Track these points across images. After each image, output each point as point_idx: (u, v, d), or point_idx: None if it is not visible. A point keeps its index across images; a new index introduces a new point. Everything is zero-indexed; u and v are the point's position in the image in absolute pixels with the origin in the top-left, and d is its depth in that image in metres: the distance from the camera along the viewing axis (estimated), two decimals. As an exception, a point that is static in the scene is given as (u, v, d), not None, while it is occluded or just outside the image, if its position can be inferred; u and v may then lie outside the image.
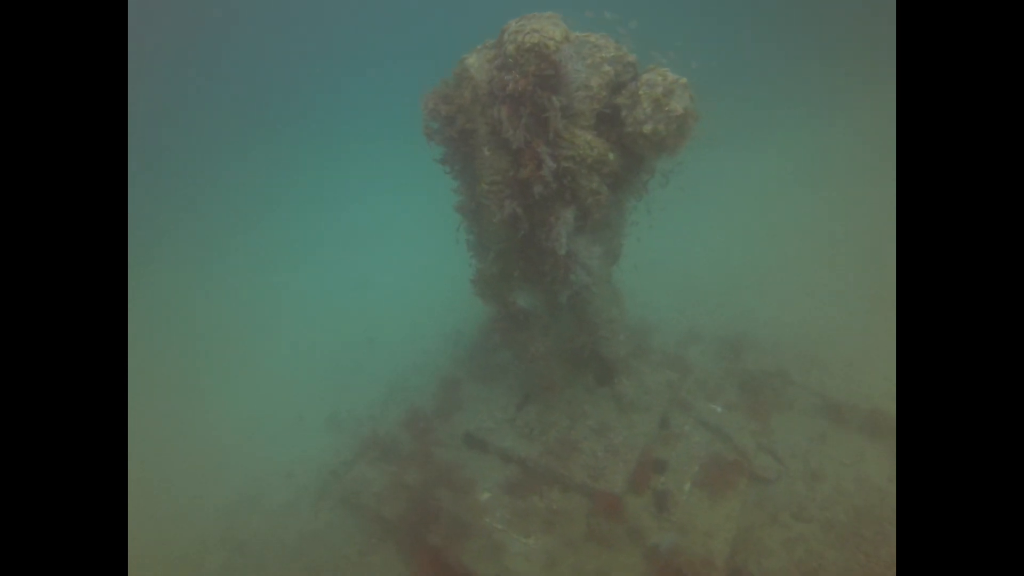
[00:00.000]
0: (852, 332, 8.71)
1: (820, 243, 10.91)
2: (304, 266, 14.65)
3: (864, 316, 8.85)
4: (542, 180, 5.29)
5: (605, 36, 5.40)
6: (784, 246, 11.21)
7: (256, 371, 11.04)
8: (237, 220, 17.33)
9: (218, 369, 11.13)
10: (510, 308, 6.77)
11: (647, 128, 5.07)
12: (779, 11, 19.41)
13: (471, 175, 6.01)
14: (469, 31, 6.08)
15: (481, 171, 5.69)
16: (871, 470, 6.80)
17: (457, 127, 5.61)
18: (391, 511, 7.30)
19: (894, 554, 5.94)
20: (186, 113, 23.63)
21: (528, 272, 6.39)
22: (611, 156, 5.44)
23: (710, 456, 7.28)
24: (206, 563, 7.48)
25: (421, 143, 6.05)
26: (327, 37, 27.25)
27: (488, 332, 7.57)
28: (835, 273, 10.00)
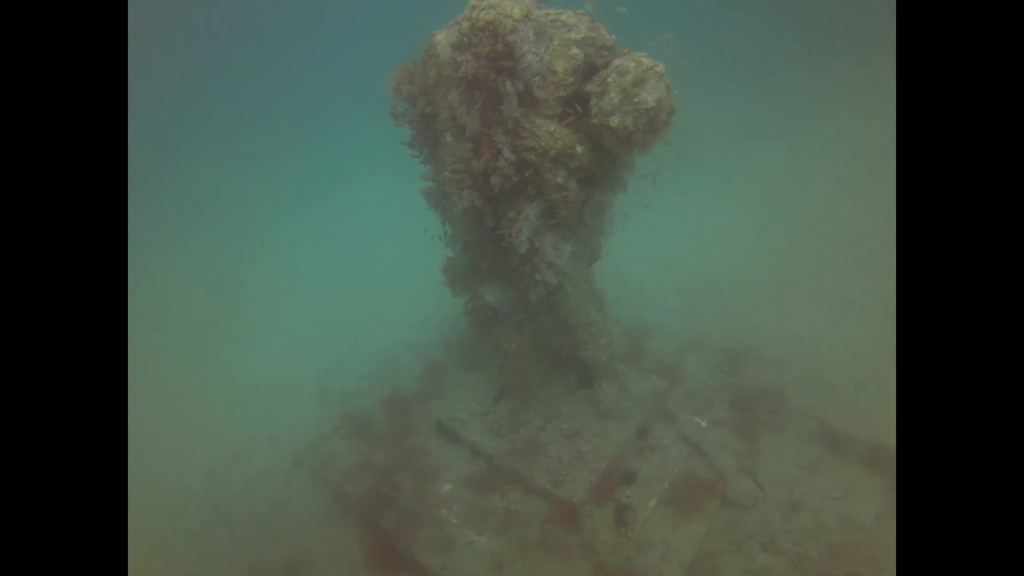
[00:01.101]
0: (869, 353, 7.87)
1: (849, 251, 9.88)
2: (313, 239, 14.90)
3: (886, 336, 7.95)
4: (500, 172, 4.93)
5: (580, 14, 4.90)
6: (809, 252, 10.26)
7: (257, 338, 11.39)
8: (244, 188, 17.78)
9: (221, 334, 11.56)
10: (477, 302, 6.51)
11: (614, 121, 4.59)
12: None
13: (438, 161, 5.72)
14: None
15: (444, 158, 5.39)
16: (858, 507, 6.16)
17: (418, 110, 5.32)
18: (353, 489, 7.35)
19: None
20: (185, 91, 24.11)
21: (495, 266, 6.08)
22: (579, 149, 4.99)
23: (684, 473, 6.84)
24: (185, 515, 7.84)
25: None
26: (320, 7, 26.73)
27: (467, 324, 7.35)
28: (861, 286, 9.04)
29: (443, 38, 5.19)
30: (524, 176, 5.05)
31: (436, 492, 7.11)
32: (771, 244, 10.75)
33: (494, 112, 4.71)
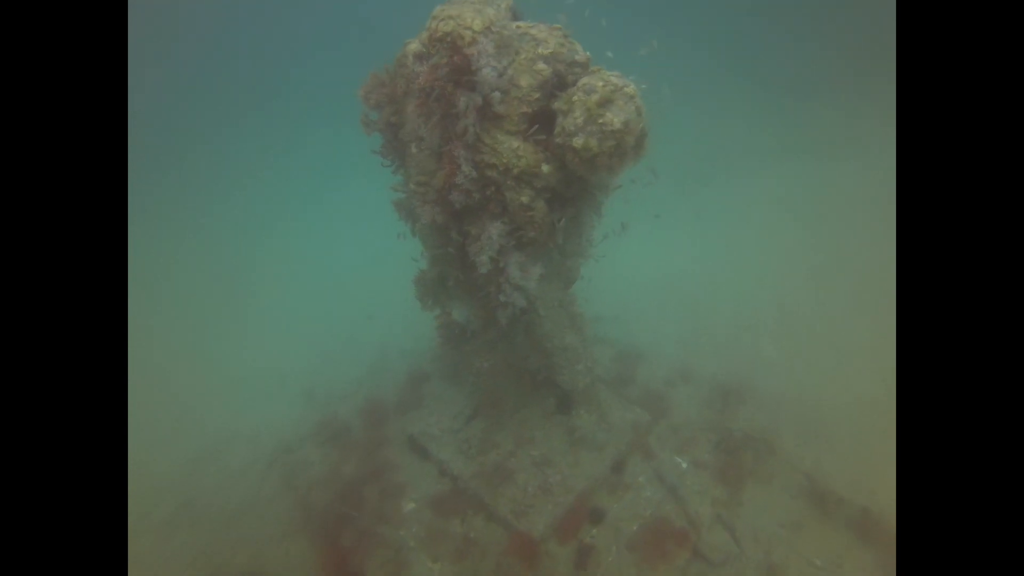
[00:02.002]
0: (874, 403, 7.23)
1: (868, 289, 9.16)
2: (320, 234, 14.99)
3: (894, 387, 7.29)
4: (460, 188, 4.68)
5: (554, 28, 4.61)
6: (825, 286, 9.58)
7: (253, 331, 11.47)
8: (252, 178, 17.98)
9: (218, 324, 11.69)
10: (446, 318, 6.28)
11: (577, 141, 4.28)
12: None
13: (406, 172, 5.52)
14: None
15: (410, 170, 5.19)
16: (844, 582, 5.61)
17: (384, 118, 5.13)
18: (318, 499, 7.22)
19: None
20: (188, 81, 24.50)
21: (463, 283, 5.83)
22: (545, 168, 4.69)
23: (656, 517, 6.41)
24: (154, 512, 7.86)
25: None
26: None
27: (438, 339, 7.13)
28: (875, 327, 8.34)
29: (414, 47, 4.99)
30: (486, 193, 4.79)
31: (399, 510, 6.90)
32: (785, 275, 10.11)
33: (453, 126, 4.48)
